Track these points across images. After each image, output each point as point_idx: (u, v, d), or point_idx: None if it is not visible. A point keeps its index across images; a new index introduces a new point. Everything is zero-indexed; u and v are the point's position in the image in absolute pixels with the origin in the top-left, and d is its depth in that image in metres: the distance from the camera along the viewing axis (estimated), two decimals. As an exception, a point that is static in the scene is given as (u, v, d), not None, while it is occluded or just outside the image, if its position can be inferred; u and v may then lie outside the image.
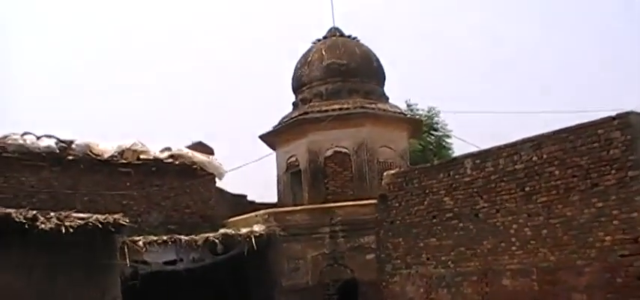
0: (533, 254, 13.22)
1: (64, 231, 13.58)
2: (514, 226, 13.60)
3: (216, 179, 22.48)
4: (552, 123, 13.47)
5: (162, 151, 21.40)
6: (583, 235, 12.35)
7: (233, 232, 18.90)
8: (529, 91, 53.44)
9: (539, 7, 54.30)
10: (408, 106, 31.88)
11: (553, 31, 54.18)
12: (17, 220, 13.16)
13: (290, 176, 23.99)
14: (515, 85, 55.06)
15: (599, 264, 12.08)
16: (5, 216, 13.15)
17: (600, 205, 12.09)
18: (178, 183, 21.02)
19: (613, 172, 11.88)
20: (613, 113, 12.10)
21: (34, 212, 13.80)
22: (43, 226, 13.37)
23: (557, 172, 12.79)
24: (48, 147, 18.49)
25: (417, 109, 32.72)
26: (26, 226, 13.19)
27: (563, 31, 54.46)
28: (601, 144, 12.10)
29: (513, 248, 13.61)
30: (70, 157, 18.91)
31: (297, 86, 24.71)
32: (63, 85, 53.64)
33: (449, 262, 14.98)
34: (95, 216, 14.62)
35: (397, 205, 16.36)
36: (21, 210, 13.84)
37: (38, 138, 18.64)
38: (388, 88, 24.91)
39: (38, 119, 48.38)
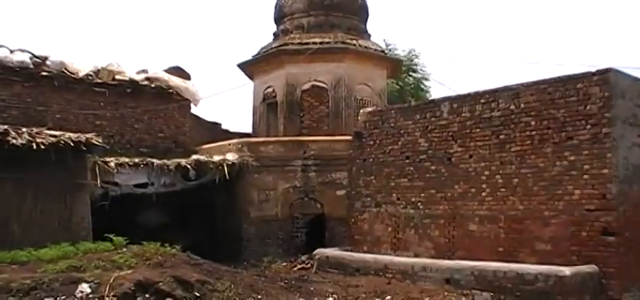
0: (502, 202, 13.31)
1: (35, 147, 13.43)
2: (486, 172, 13.66)
3: (192, 105, 22.34)
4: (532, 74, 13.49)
5: (138, 72, 21.19)
6: (553, 186, 12.44)
7: (206, 159, 18.89)
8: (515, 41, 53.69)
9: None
10: (387, 45, 31.71)
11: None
12: (-13, 133, 12.99)
13: (266, 107, 23.92)
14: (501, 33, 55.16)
15: (566, 216, 12.20)
16: (-25, 129, 12.97)
17: (572, 158, 12.16)
18: (153, 106, 20.88)
19: (588, 127, 11.92)
20: (593, 69, 12.10)
21: (5, 127, 13.63)
22: (14, 141, 13.21)
23: (532, 123, 12.80)
24: (21, 62, 18.21)
25: (395, 50, 32.57)
26: (-3, 141, 13.02)
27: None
28: (579, 98, 12.11)
29: (483, 194, 13.69)
30: (44, 74, 18.65)
31: (279, 17, 24.46)
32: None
33: (418, 204, 15.05)
34: (67, 134, 14.48)
35: (371, 143, 16.34)
36: (-8, 124, 13.67)
37: (11, 51, 18.31)
38: (370, 26, 24.74)
39: (10, 34, 47.76)
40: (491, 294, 11.95)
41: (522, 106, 13.02)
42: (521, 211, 12.93)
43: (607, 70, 11.86)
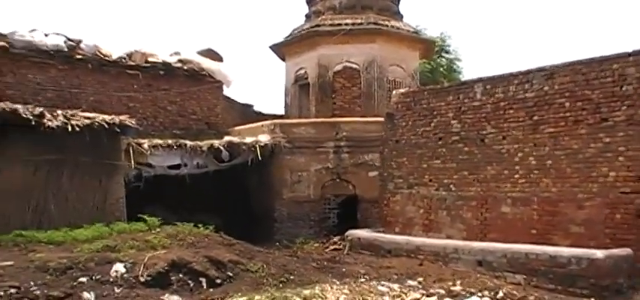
0: (536, 184, 13.20)
1: (70, 129, 13.60)
2: (519, 154, 13.55)
3: (224, 87, 22.44)
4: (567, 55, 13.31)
5: (171, 55, 21.33)
6: (587, 168, 12.31)
7: (238, 140, 18.96)
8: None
9: None
10: (417, 28, 31.44)
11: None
12: (24, 116, 13.17)
13: (298, 89, 23.95)
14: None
15: (601, 199, 12.07)
16: (13, 112, 13.15)
17: (607, 140, 12.00)
18: (186, 88, 21.02)
19: (624, 108, 11.75)
20: (629, 49, 11.90)
21: (41, 109, 13.81)
22: (49, 123, 13.38)
23: (567, 104, 12.65)
24: (56, 45, 18.41)
25: (426, 35, 32.30)
26: (33, 123, 13.20)
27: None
28: (614, 79, 11.92)
29: (516, 176, 13.59)
30: (78, 57, 18.88)
31: (311, -2, 24.42)
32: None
33: (451, 185, 15.00)
34: (102, 116, 14.64)
35: (404, 124, 16.29)
36: (28, 106, 13.86)
37: (46, 35, 18.52)
38: (403, 7, 24.57)
39: (44, 18, 48.36)
40: (524, 276, 11.88)
41: (556, 87, 12.87)
42: (555, 193, 12.82)
43: (644, 51, 11.67)
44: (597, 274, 10.98)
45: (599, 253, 11.14)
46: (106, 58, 19.51)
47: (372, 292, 10.31)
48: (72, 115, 14.09)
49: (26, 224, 12.85)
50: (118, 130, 14.79)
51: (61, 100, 17.68)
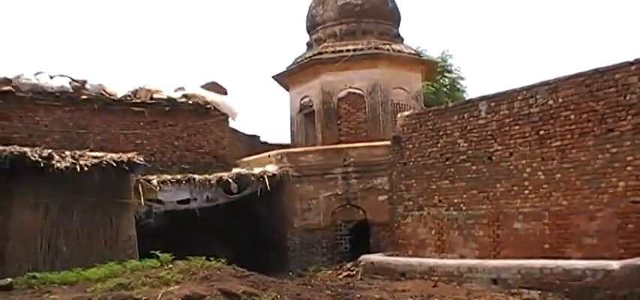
0: (546, 198, 13.18)
1: (78, 169, 13.67)
2: (527, 169, 13.54)
3: (230, 119, 22.52)
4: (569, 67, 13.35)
5: (175, 90, 21.44)
6: (596, 180, 12.29)
7: (246, 172, 19.01)
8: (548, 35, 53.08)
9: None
10: (418, 49, 31.61)
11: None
12: (33, 158, 13.27)
13: (303, 117, 24.01)
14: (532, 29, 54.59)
15: (612, 209, 12.03)
16: (21, 155, 13.26)
17: (614, 150, 11.99)
18: (192, 123, 21.12)
19: (629, 117, 11.76)
20: (630, 58, 11.93)
21: (49, 151, 13.90)
22: (58, 164, 13.47)
23: (572, 117, 12.66)
24: (61, 86, 18.57)
25: (427, 53, 32.47)
26: (42, 165, 13.30)
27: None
28: (618, 89, 11.95)
29: (526, 192, 13.57)
30: (84, 97, 18.99)
31: (311, 26, 24.56)
32: (74, 24, 53.63)
33: (461, 205, 14.98)
34: (109, 155, 14.72)
35: (411, 146, 16.31)
36: (36, 149, 13.94)
37: (51, 77, 18.69)
38: (403, 30, 24.70)
39: (50, 60, 48.75)
40: (539, 292, 11.83)
41: (561, 100, 12.89)
42: (566, 207, 12.79)
43: (645, 59, 11.70)
44: (614, 284, 10.93)
45: (615, 264, 11.10)
46: (111, 97, 19.61)
47: (387, 315, 10.28)
48: (80, 156, 14.18)
49: (38, 266, 12.89)
50: (127, 168, 14.87)
51: (68, 141, 17.77)
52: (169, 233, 16.40)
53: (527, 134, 13.53)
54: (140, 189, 16.04)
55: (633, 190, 11.72)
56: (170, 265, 12.71)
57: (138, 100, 20.15)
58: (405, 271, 14.99)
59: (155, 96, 20.61)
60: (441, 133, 15.54)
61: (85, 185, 13.89)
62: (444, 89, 31.91)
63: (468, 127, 14.85)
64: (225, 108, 22.18)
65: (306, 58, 23.54)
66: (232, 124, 22.89)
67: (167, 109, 20.72)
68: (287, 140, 25.05)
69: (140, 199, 15.97)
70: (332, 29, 23.67)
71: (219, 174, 18.55)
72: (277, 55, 58.73)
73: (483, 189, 14.47)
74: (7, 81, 17.76)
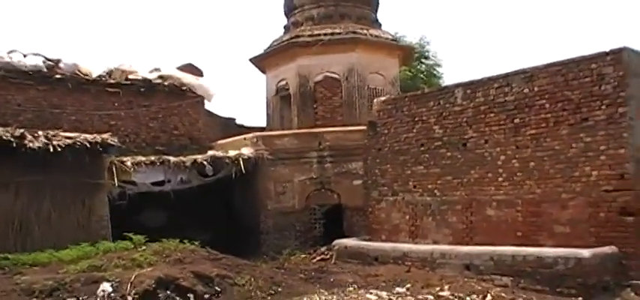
0: (519, 186, 13.28)
1: (51, 150, 13.53)
2: (502, 157, 13.63)
3: (206, 101, 22.41)
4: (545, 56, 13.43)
5: (151, 71, 21.27)
6: (569, 168, 12.40)
7: (221, 154, 18.93)
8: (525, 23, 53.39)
9: None
10: (396, 35, 31.61)
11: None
12: (5, 138, 13.11)
13: (279, 100, 23.94)
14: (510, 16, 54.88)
15: (584, 198, 12.17)
16: (-7, 134, 13.08)
17: (588, 139, 12.11)
18: (167, 104, 20.97)
19: (603, 107, 11.86)
20: (606, 49, 12.02)
21: (22, 130, 13.74)
22: (31, 144, 13.33)
23: (547, 105, 12.75)
24: (35, 65, 18.33)
25: (405, 39, 32.46)
26: (14, 145, 13.15)
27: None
28: (593, 79, 12.04)
29: (500, 179, 13.67)
30: (58, 76, 18.79)
31: (289, 9, 24.45)
32: (49, 1, 52.97)
33: (435, 191, 15.05)
34: (83, 135, 14.59)
35: (386, 132, 16.33)
36: (8, 128, 13.77)
37: (25, 56, 18.42)
38: (381, 15, 24.67)
39: (24, 38, 48.12)
40: (511, 278, 11.93)
41: (536, 89, 12.96)
42: (539, 195, 12.90)
43: (620, 50, 11.78)
44: (584, 273, 11.05)
45: (586, 252, 11.21)
46: (86, 77, 19.41)
47: (360, 300, 10.33)
48: (53, 136, 14.03)
49: (10, 247, 12.78)
50: (100, 149, 14.75)
51: (41, 120, 17.55)
52: (143, 215, 16.33)
53: (502, 122, 13.61)
54: (114, 170, 15.91)
55: (605, 179, 11.85)
56: (143, 247, 12.70)
57: (113, 81, 19.97)
58: (379, 256, 15.04)
59: (130, 77, 20.43)
60: (416, 119, 15.58)
61: (57, 166, 13.75)
62: (421, 75, 31.94)
63: (444, 114, 14.90)
64: (201, 90, 22.06)
65: (283, 42, 23.43)
66: (208, 106, 22.79)
67: (142, 90, 20.55)
68: (263, 123, 24.98)
69: (114, 181, 15.84)
70: (309, 12, 23.57)
71: (194, 156, 18.46)
72: (254, 37, 58.45)
73: (457, 175, 14.54)
74: (-22, 59, 17.50)
